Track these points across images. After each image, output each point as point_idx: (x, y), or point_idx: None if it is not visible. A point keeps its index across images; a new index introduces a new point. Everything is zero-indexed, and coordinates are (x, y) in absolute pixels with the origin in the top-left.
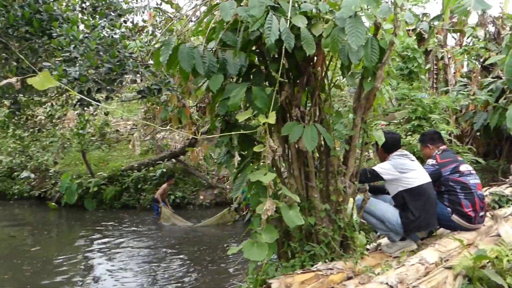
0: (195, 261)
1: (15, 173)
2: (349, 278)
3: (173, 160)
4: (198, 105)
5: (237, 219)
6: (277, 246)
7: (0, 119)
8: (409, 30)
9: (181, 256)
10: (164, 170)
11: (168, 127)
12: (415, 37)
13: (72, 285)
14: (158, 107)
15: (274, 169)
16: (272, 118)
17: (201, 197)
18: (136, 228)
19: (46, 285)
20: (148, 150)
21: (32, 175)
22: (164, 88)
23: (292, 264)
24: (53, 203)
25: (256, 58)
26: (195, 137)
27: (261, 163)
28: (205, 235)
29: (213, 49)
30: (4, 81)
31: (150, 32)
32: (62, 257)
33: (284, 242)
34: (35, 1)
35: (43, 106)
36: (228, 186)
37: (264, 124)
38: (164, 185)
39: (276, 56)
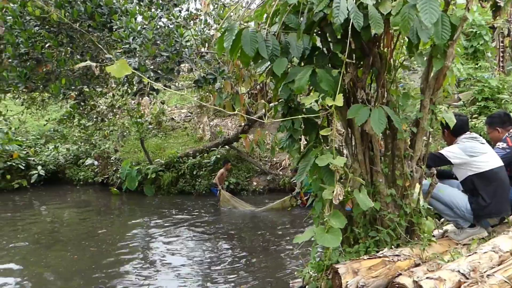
0: (253, 247)
1: (81, 160)
2: (417, 265)
3: (227, 146)
4: (250, 92)
5: (295, 205)
6: None
7: (66, 110)
8: (481, 0)
9: (238, 241)
10: (218, 156)
11: (236, 112)
12: (489, 8)
13: (134, 268)
14: (211, 95)
15: None
16: (339, 101)
17: (254, 183)
18: (192, 213)
19: (110, 266)
20: (202, 137)
21: (96, 162)
22: (219, 77)
23: (356, 249)
24: (115, 189)
25: (319, 40)
26: (262, 121)
27: (325, 147)
28: (261, 221)
29: (276, 33)
30: (83, 63)
31: (203, 21)
32: (124, 240)
33: (346, 227)
34: None
35: (105, 97)
36: (281, 172)
37: (330, 107)
38: (222, 170)
39: (339, 37)
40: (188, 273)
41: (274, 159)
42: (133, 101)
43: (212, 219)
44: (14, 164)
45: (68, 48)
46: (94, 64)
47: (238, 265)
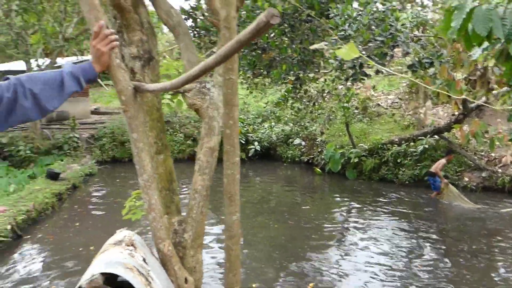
0: (459, 250)
1: (290, 140)
2: None
3: (436, 136)
4: (468, 78)
5: None
6: None
7: (282, 94)
8: None
9: (442, 241)
10: (426, 146)
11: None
12: None
13: (326, 246)
14: (423, 81)
15: None
16: None
17: (466, 178)
18: (393, 203)
19: (304, 240)
20: (409, 125)
21: (303, 143)
22: (436, 61)
23: None
24: (319, 169)
25: None
26: (489, 105)
27: None
28: (479, 223)
29: None
30: (316, 45)
31: (420, 3)
32: (322, 219)
33: None
34: None
35: (317, 82)
36: (499, 170)
37: None
38: (443, 160)
39: None
40: (378, 262)
41: (493, 154)
42: (340, 87)
43: (415, 212)
44: None
45: (286, 39)
46: (325, 47)
47: (435, 266)
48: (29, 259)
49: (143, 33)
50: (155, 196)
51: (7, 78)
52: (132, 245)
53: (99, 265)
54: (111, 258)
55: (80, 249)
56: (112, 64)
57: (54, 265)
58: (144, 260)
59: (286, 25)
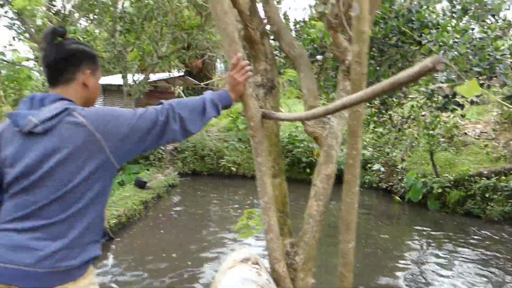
0: None
1: (368, 165)
2: None
3: None
4: None
5: None
6: None
7: (364, 117)
8: None
9: None
10: None
11: None
12: None
13: (404, 282)
14: None
15: None
16: None
17: None
18: (478, 240)
19: (381, 270)
20: (500, 157)
21: (383, 169)
22: None
23: None
24: (398, 197)
25: None
26: None
27: None
28: None
29: None
30: (436, 86)
31: None
32: (399, 249)
33: None
34: (408, 11)
35: (402, 108)
36: None
37: None
38: None
39: None
40: None
41: None
42: (423, 113)
43: (504, 252)
44: (313, 160)
45: (375, 61)
46: (445, 85)
47: None
48: (119, 261)
49: (267, 62)
50: (274, 218)
51: (161, 103)
52: (257, 263)
53: (235, 281)
54: (243, 275)
55: (164, 255)
56: (245, 92)
57: (141, 268)
58: (267, 280)
59: (374, 49)
